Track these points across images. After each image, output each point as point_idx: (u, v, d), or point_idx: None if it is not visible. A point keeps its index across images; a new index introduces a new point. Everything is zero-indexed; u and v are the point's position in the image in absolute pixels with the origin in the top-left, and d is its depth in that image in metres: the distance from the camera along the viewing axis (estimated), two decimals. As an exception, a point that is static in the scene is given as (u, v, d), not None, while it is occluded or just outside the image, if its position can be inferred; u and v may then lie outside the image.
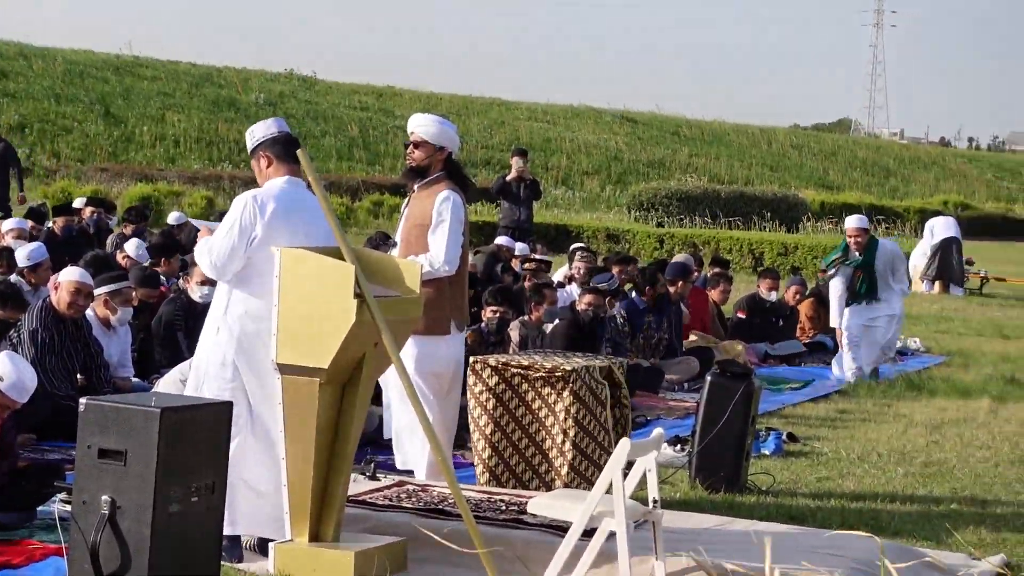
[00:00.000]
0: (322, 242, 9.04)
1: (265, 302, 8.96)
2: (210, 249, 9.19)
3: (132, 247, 18.17)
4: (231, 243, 9.08)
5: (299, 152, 9.28)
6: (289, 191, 9.26)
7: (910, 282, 22.48)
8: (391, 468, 11.10)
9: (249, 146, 9.51)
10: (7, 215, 21.07)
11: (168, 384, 12.13)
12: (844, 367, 18.98)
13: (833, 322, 19.27)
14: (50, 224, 21.94)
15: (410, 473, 10.95)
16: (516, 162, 25.70)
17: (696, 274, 21.50)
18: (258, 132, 9.45)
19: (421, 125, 11.00)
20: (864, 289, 18.87)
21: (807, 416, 15.83)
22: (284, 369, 8.62)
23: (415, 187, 10.99)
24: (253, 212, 9.08)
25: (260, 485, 9.02)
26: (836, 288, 19.02)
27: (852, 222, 19.30)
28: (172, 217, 25.04)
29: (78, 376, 13.08)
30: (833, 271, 19.07)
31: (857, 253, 18.72)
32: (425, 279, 9.43)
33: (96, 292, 13.61)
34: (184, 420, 7.12)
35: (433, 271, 10.44)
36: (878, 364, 19.14)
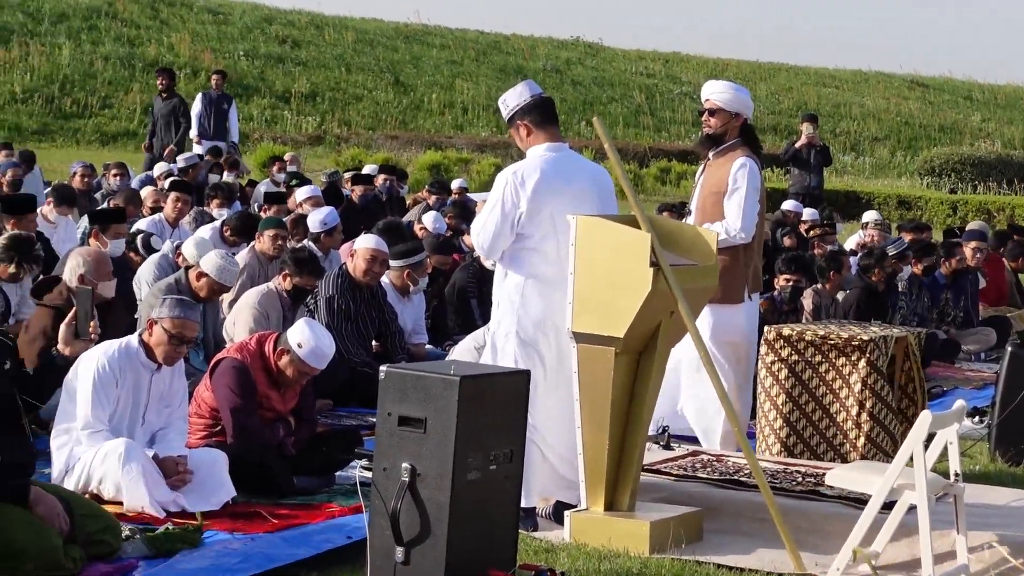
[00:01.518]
0: (595, 209, 9.01)
1: (552, 269, 9.00)
2: (477, 231, 9.24)
3: (430, 220, 18.36)
4: (495, 225, 9.11)
5: (594, 120, 9.28)
6: (552, 158, 9.23)
7: None
8: (685, 438, 11.03)
9: (505, 116, 9.48)
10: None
11: (463, 351, 12.23)
12: None
13: None
14: (347, 191, 22.24)
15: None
16: (806, 128, 25.52)
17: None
18: (511, 100, 9.40)
19: (716, 92, 10.89)
20: None
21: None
22: (579, 338, 8.61)
23: (710, 155, 10.88)
24: (515, 190, 9.08)
25: (555, 452, 9.04)
26: None
27: None
28: (455, 184, 25.24)
29: (373, 342, 13.25)
30: None
31: None
32: (721, 247, 9.34)
33: (394, 263, 13.77)
34: (483, 388, 7.14)
35: (729, 239, 10.34)
36: None
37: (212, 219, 17.32)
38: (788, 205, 23.06)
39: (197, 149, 26.92)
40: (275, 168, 25.54)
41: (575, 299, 8.60)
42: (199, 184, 22.75)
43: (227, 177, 23.75)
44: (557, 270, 9.00)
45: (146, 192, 19.76)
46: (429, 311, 14.81)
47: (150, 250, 14.66)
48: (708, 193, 10.74)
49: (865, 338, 10.45)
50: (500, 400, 7.26)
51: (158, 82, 28.68)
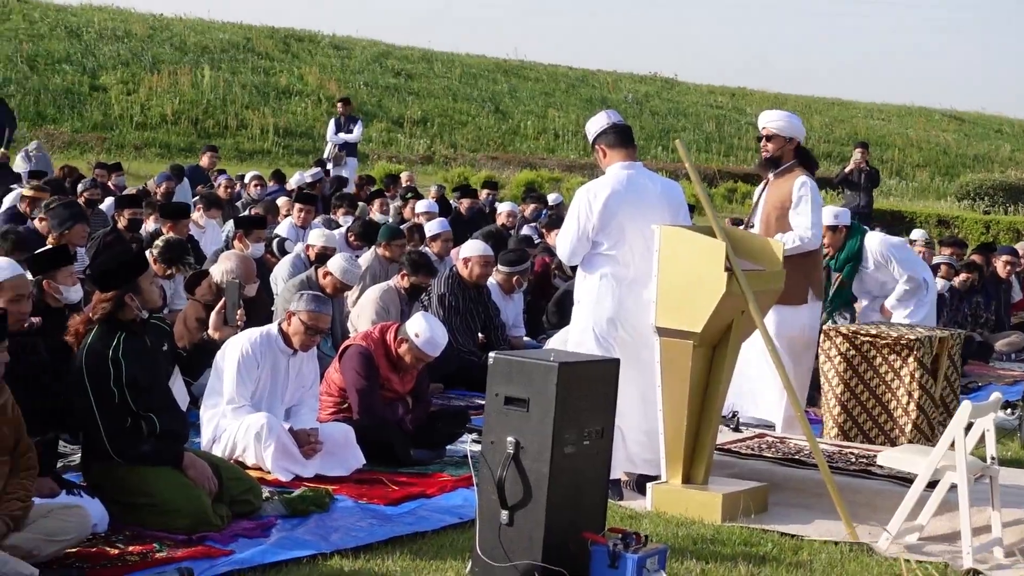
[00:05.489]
0: (667, 218, 9.04)
1: (624, 271, 9.09)
2: (559, 239, 9.34)
3: (528, 230, 18.55)
4: (573, 235, 9.21)
5: (677, 142, 9.34)
6: (625, 175, 9.28)
7: None
8: (752, 423, 11.03)
9: (589, 140, 9.57)
10: None
11: (556, 343, 12.25)
12: None
13: None
14: (455, 204, 22.35)
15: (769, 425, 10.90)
16: (857, 153, 25.49)
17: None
18: (592, 127, 9.52)
19: (771, 120, 10.90)
20: None
21: None
22: (662, 332, 8.65)
23: (771, 175, 10.88)
24: (588, 204, 9.17)
25: (632, 433, 9.07)
26: None
27: None
28: (551, 198, 25.30)
29: (479, 335, 13.31)
30: None
31: None
32: (786, 254, 9.34)
33: (502, 269, 13.94)
34: (578, 373, 7.16)
35: (801, 244, 10.34)
36: None
37: (338, 225, 17.43)
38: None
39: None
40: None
41: (659, 298, 8.63)
42: (325, 196, 22.94)
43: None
44: (628, 272, 9.07)
45: (281, 201, 19.93)
46: (526, 307, 14.85)
47: (283, 252, 14.79)
48: (771, 209, 10.73)
49: (912, 337, 10.41)
50: (593, 384, 7.27)
51: None
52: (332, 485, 8.90)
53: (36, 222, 14.29)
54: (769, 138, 10.81)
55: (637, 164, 9.40)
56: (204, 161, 25.73)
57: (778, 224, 10.62)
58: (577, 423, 7.09)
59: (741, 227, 10.87)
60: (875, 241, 14.05)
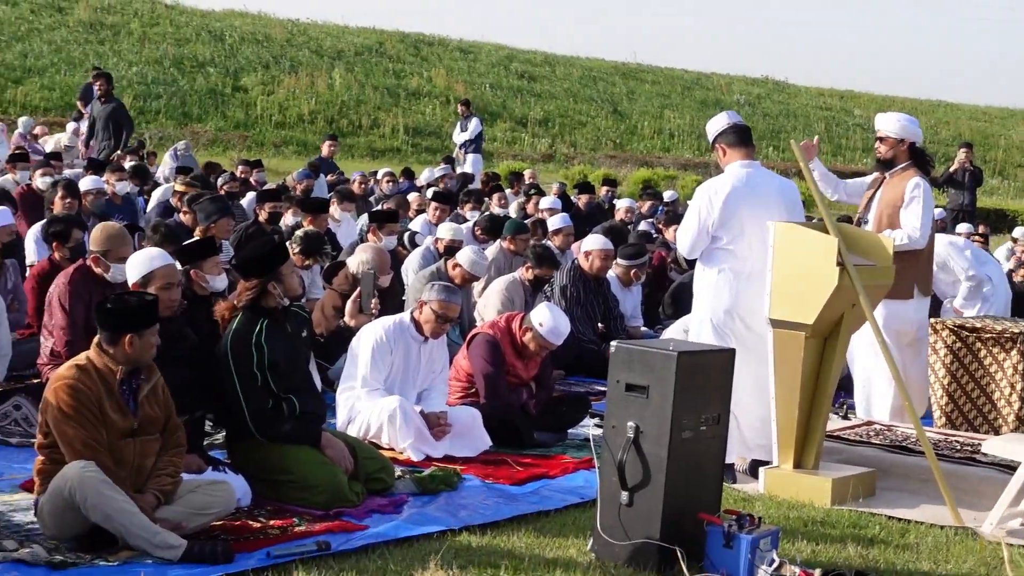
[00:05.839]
0: (783, 215, 8.98)
1: (741, 265, 9.03)
2: (679, 234, 9.30)
3: (645, 225, 18.55)
4: (693, 231, 9.16)
5: (792, 142, 9.26)
6: (743, 173, 9.22)
7: None
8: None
9: (709, 140, 9.52)
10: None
11: (673, 333, 12.22)
12: None
13: None
14: (575, 200, 22.34)
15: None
16: (961, 153, 25.20)
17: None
18: (712, 128, 9.47)
19: (884, 123, 10.79)
20: None
21: None
22: (775, 324, 8.60)
23: (886, 175, 10.76)
24: (708, 201, 9.11)
25: (746, 419, 9.02)
26: None
27: None
28: (667, 195, 25.24)
29: (599, 325, 13.30)
30: None
31: None
32: (896, 250, 9.24)
33: (622, 262, 13.95)
34: (696, 362, 7.14)
35: (909, 243, 10.21)
36: None
37: (465, 220, 17.50)
38: (936, 214, 22.67)
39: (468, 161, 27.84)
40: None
41: (773, 291, 8.58)
42: (451, 192, 23.04)
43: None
44: (745, 266, 9.01)
45: (412, 197, 20.05)
46: (644, 299, 14.82)
47: (414, 245, 14.86)
48: (884, 207, 10.62)
49: (1016, 331, 10.29)
50: (710, 372, 7.25)
51: (97, 86, 24.31)
52: (460, 465, 8.95)
53: (182, 215, 14.49)
54: (882, 140, 10.70)
55: (755, 163, 9.35)
56: (325, 150, 26.13)
57: (889, 222, 10.50)
58: (695, 409, 7.07)
59: (853, 224, 10.75)
60: (938, 243, 13.87)
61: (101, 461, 6.77)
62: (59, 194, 14.09)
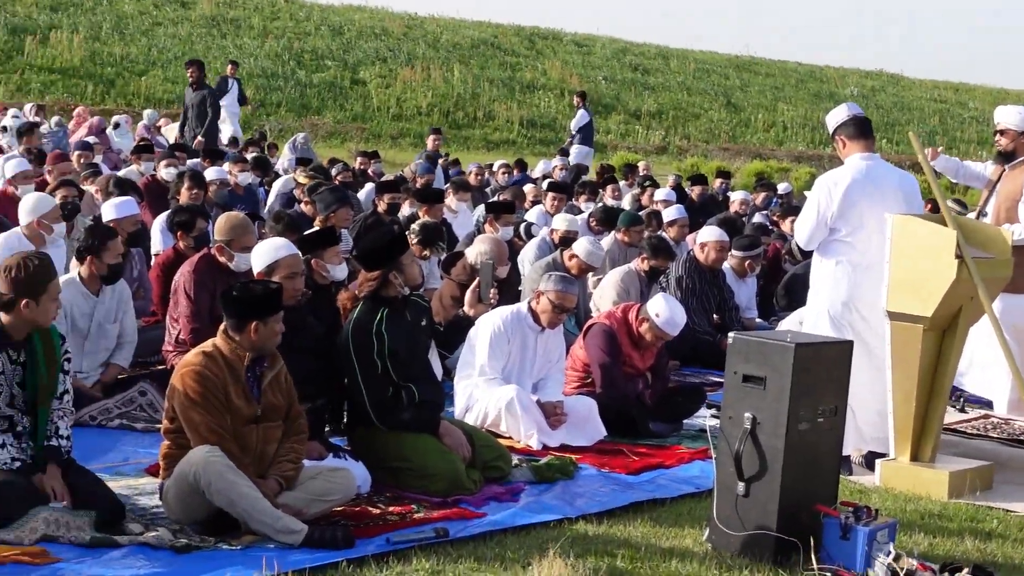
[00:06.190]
0: (902, 208, 8.86)
1: (859, 258, 8.93)
2: (797, 226, 9.21)
3: (759, 217, 18.42)
4: (811, 223, 9.07)
5: (910, 134, 9.17)
6: (864, 166, 9.10)
7: None
8: (976, 401, 10.80)
9: (829, 131, 9.42)
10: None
11: (789, 324, 12.12)
12: None
13: None
14: (689, 192, 22.26)
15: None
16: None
17: None
18: (832, 119, 9.36)
19: (1004, 115, 10.67)
20: None
21: None
22: (893, 316, 8.51)
23: (1005, 168, 10.62)
24: (828, 193, 9.00)
25: (862, 412, 8.93)
26: None
27: None
28: (781, 187, 25.07)
29: (714, 316, 13.24)
30: None
31: None
32: (1015, 244, 9.11)
33: (736, 253, 13.88)
34: (814, 353, 7.08)
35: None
36: None
37: (580, 211, 17.50)
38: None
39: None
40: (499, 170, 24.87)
41: (890, 284, 8.49)
42: (567, 184, 23.04)
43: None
44: (863, 258, 8.92)
45: (528, 188, 20.08)
46: (759, 291, 14.74)
47: (529, 235, 14.88)
48: (1003, 200, 10.49)
49: None
50: (827, 364, 7.18)
51: (188, 73, 24.89)
52: (576, 454, 8.95)
53: (304, 206, 14.61)
54: (1002, 132, 10.58)
55: (875, 155, 9.23)
56: (430, 144, 26.21)
57: (1007, 216, 10.38)
58: (812, 401, 7.02)
59: (968, 214, 10.61)
60: None
61: (226, 447, 6.86)
62: (186, 184, 14.26)
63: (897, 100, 60.43)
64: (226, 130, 26.80)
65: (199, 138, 22.83)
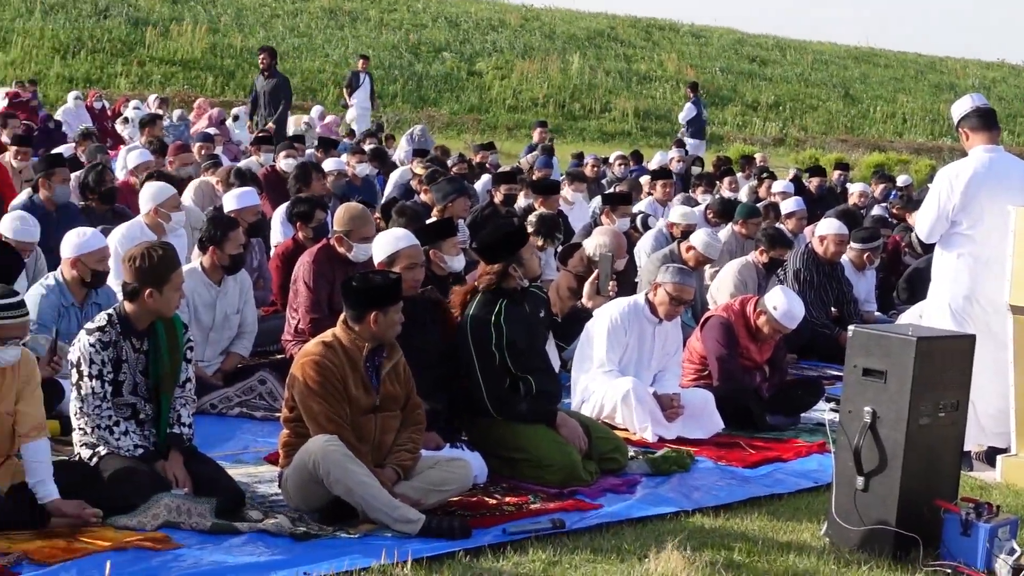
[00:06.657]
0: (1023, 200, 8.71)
1: (981, 250, 8.82)
2: (918, 219, 9.10)
3: (878, 210, 18.27)
4: (932, 215, 8.97)
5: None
6: (987, 158, 8.97)
7: None
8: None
9: (954, 122, 9.28)
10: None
11: (909, 318, 11.97)
12: None
13: None
14: (807, 184, 22.07)
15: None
16: None
17: None
18: (956, 111, 9.24)
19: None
20: None
21: None
22: (1016, 310, 8.38)
23: None
24: (949, 186, 8.89)
25: (983, 407, 8.79)
26: None
27: None
28: (901, 180, 24.81)
29: (832, 309, 13.11)
30: None
31: None
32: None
33: (855, 246, 13.73)
34: (935, 347, 6.99)
35: None
36: None
37: (697, 203, 17.40)
38: None
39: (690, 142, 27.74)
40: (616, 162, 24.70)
41: (1013, 277, 8.35)
42: (682, 174, 22.94)
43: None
44: (985, 251, 8.79)
45: (644, 180, 20.00)
46: (878, 282, 14.58)
47: (646, 227, 14.81)
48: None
49: None
50: (949, 358, 7.09)
51: (260, 60, 23.85)
52: (692, 447, 8.90)
53: (421, 195, 14.67)
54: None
55: (999, 148, 9.08)
56: (535, 137, 26.24)
57: None
58: (933, 396, 6.93)
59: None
60: None
61: (344, 436, 6.90)
62: (315, 175, 14.42)
63: (1019, 91, 59.46)
64: (358, 127, 27.07)
65: (270, 124, 22.84)
